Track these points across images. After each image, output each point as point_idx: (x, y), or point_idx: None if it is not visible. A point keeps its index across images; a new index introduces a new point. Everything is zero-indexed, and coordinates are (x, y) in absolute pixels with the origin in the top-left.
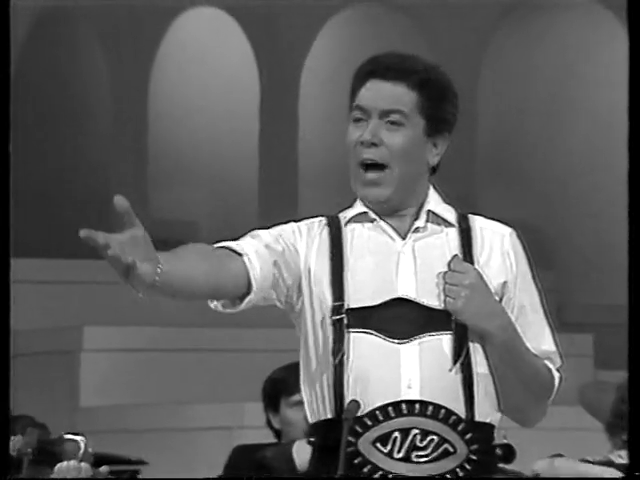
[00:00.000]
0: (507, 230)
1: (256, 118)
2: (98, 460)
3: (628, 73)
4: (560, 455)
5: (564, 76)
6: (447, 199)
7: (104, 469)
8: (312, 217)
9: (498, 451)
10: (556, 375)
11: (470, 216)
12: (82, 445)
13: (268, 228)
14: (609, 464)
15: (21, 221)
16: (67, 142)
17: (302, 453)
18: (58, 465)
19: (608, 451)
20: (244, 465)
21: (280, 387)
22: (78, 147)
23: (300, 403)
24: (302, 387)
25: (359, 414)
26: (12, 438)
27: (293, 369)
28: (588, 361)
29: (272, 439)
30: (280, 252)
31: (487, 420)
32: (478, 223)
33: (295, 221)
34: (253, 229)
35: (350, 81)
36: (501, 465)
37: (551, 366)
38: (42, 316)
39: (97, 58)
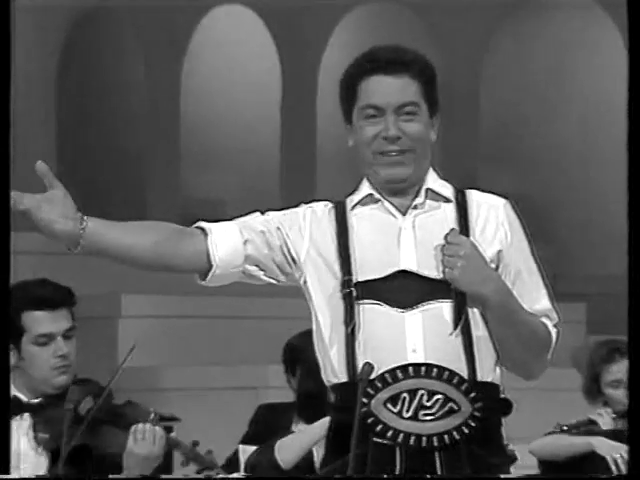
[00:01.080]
0: (501, 201)
1: (278, 107)
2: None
3: (628, 64)
4: (551, 433)
5: (560, 65)
6: (445, 176)
7: (174, 435)
8: (322, 200)
9: (496, 405)
10: (552, 330)
11: (467, 191)
12: (152, 411)
13: (285, 207)
14: (590, 423)
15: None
16: (109, 128)
17: (284, 452)
18: (134, 426)
19: (597, 407)
20: (267, 422)
21: (296, 355)
22: (119, 134)
23: None
24: (317, 352)
25: (372, 376)
26: (84, 398)
27: (310, 336)
28: (581, 327)
29: (294, 398)
30: (259, 232)
31: (489, 379)
32: (474, 197)
33: (305, 203)
34: (269, 209)
35: (344, 77)
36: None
37: (548, 322)
38: (84, 284)
39: (134, 53)
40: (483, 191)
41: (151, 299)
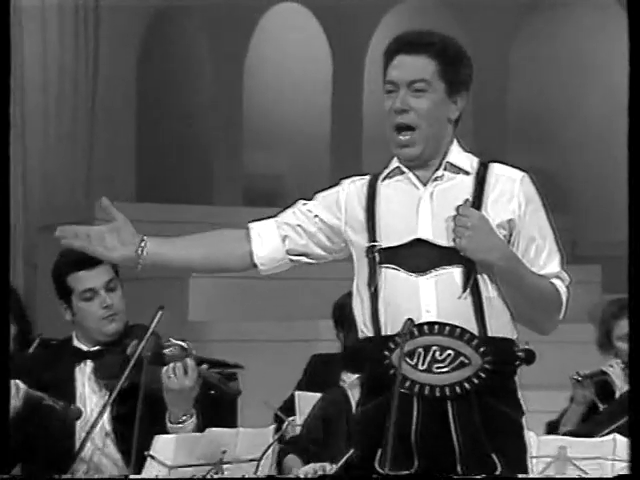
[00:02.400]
0: (519, 175)
1: (329, 90)
2: (200, 363)
3: (629, 64)
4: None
5: (582, 53)
6: (470, 149)
7: (204, 366)
8: (363, 174)
9: (521, 354)
10: (562, 291)
11: (490, 164)
12: (187, 346)
13: (333, 180)
14: (602, 374)
15: (147, 174)
16: (182, 116)
17: (291, 467)
18: (165, 367)
19: (609, 359)
20: (319, 369)
21: (342, 312)
22: (192, 121)
23: None
24: (353, 309)
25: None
26: (132, 343)
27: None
28: (597, 287)
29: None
30: (295, 226)
31: (500, 335)
32: (495, 170)
33: (348, 177)
34: (319, 183)
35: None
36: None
37: (559, 283)
38: None
39: (202, 49)
40: (507, 165)
41: None
